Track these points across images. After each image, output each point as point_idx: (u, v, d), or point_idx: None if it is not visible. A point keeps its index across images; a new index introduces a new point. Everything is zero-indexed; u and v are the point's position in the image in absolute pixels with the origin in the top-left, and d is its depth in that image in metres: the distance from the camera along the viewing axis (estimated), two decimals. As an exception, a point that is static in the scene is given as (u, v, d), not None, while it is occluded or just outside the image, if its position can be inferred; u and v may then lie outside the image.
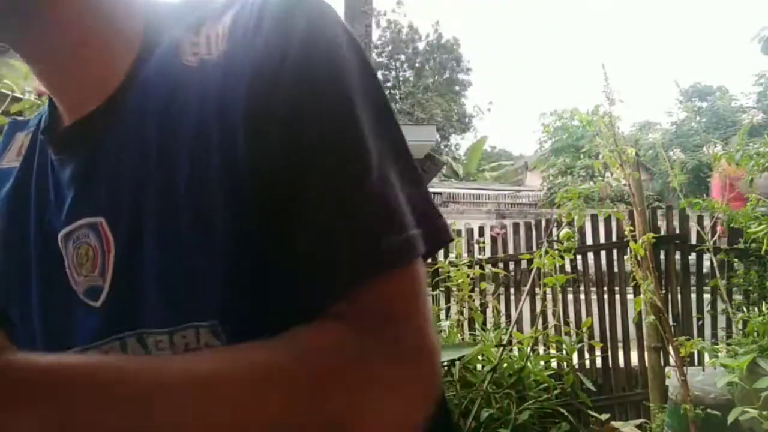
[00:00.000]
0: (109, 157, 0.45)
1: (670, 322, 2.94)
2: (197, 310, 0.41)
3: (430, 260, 3.81)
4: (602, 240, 3.78)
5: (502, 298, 3.72)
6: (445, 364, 2.39)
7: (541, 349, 3.42)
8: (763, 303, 3.39)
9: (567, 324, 3.47)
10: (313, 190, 0.39)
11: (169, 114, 0.43)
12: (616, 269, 3.76)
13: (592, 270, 3.77)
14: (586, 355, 3.50)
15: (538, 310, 3.39)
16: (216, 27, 0.43)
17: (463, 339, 3.04)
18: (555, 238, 3.10)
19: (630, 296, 3.63)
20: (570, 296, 3.68)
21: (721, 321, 3.55)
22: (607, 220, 3.76)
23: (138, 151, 0.44)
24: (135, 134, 0.44)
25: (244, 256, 0.40)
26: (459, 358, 2.37)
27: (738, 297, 3.61)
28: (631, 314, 3.51)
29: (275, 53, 0.40)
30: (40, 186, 0.50)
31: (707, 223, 3.24)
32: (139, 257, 0.43)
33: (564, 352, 3.18)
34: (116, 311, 0.44)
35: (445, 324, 3.06)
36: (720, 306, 3.44)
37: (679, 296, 3.53)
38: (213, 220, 0.41)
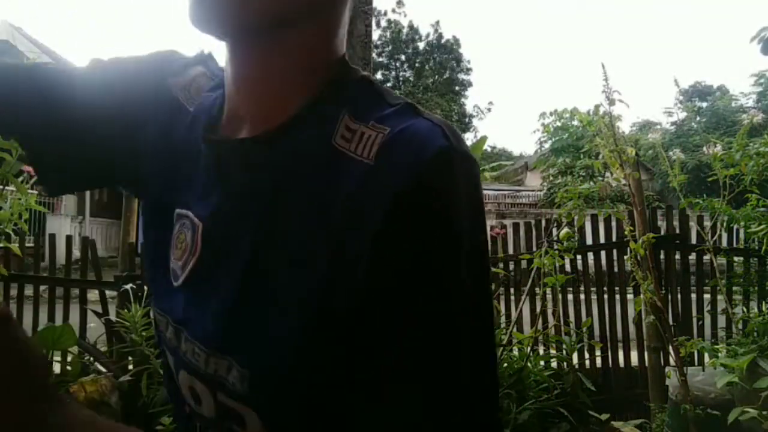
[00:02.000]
0: (236, 185, 0.48)
1: (670, 322, 2.94)
2: (243, 352, 0.44)
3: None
4: (602, 240, 3.78)
5: (502, 298, 3.71)
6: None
7: (541, 349, 3.42)
8: (763, 303, 3.39)
9: (567, 324, 3.47)
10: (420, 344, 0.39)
11: (302, 178, 0.45)
12: (616, 269, 3.75)
13: (592, 270, 3.77)
14: (586, 355, 3.50)
15: (538, 310, 3.39)
16: (370, 132, 0.44)
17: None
18: (555, 238, 3.10)
19: (630, 296, 3.63)
20: (570, 296, 3.68)
21: (721, 321, 3.55)
22: (607, 220, 3.76)
23: (264, 195, 0.46)
24: (269, 178, 0.47)
25: (319, 350, 0.42)
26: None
27: (738, 297, 3.61)
28: (631, 314, 3.51)
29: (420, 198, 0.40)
30: (182, 147, 0.54)
31: (707, 223, 3.24)
32: (215, 275, 0.47)
33: (564, 352, 3.18)
34: (182, 301, 0.49)
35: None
36: (720, 306, 3.44)
37: (679, 296, 3.53)
38: (307, 300, 0.42)
